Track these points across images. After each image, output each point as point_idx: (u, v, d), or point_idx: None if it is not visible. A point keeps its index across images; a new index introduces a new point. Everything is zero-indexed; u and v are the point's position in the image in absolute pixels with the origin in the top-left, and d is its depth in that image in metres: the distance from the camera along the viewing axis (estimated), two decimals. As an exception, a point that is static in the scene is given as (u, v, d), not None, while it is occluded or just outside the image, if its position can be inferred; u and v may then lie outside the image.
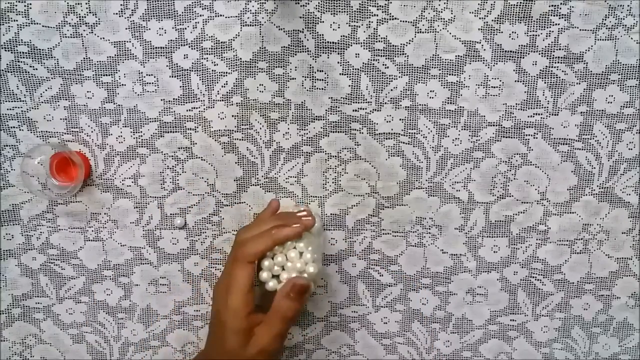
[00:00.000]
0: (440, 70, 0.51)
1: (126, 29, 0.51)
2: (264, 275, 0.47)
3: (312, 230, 0.51)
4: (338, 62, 0.51)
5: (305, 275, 0.46)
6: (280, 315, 0.45)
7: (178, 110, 0.53)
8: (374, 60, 0.51)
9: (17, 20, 0.50)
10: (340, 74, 0.52)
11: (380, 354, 0.58)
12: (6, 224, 0.55)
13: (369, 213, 0.55)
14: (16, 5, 0.50)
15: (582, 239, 0.55)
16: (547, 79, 0.51)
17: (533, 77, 0.51)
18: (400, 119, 0.53)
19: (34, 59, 0.51)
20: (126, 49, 0.51)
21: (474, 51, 0.51)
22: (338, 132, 0.53)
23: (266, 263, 0.47)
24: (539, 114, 0.52)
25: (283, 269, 0.47)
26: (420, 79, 0.52)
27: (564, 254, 0.55)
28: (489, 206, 0.54)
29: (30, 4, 0.50)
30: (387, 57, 0.51)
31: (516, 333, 0.58)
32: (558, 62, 0.51)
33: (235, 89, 0.52)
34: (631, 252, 0.56)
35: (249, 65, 0.52)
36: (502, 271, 0.56)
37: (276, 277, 0.47)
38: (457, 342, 0.58)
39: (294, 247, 0.47)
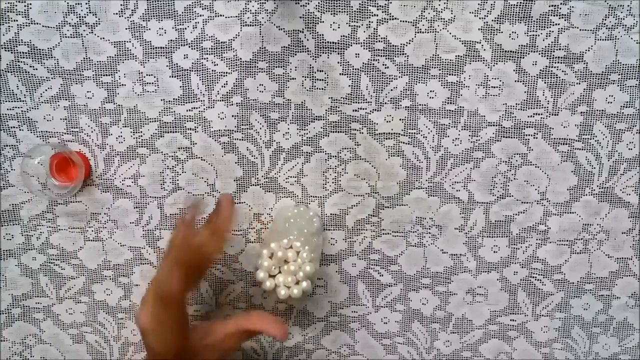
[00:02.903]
0: (440, 70, 0.51)
1: (126, 29, 0.51)
2: (261, 275, 0.46)
3: (311, 230, 0.51)
4: (338, 62, 0.51)
5: (301, 274, 0.46)
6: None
7: (178, 110, 0.53)
8: (374, 60, 0.51)
9: (17, 20, 0.50)
10: (340, 74, 0.52)
11: (380, 354, 0.58)
12: (6, 224, 0.55)
13: (369, 213, 0.55)
14: (16, 5, 0.50)
15: (582, 239, 0.55)
16: (547, 79, 0.51)
17: (533, 77, 0.51)
18: (400, 119, 0.53)
19: (34, 59, 0.51)
20: (126, 49, 0.51)
21: (474, 51, 0.51)
22: (338, 132, 0.53)
23: (265, 264, 0.46)
24: (539, 114, 0.52)
25: (279, 272, 0.47)
26: (420, 79, 0.52)
27: (564, 254, 0.55)
28: (489, 206, 0.54)
29: (30, 4, 0.50)
30: (387, 57, 0.51)
31: (516, 333, 0.58)
32: (558, 62, 0.51)
33: (235, 89, 0.52)
34: (631, 252, 0.56)
35: (249, 65, 0.52)
36: (502, 271, 0.56)
37: (272, 277, 0.47)
38: (457, 342, 0.58)
39: (291, 247, 0.47)
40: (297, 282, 0.46)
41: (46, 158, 0.51)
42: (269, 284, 0.46)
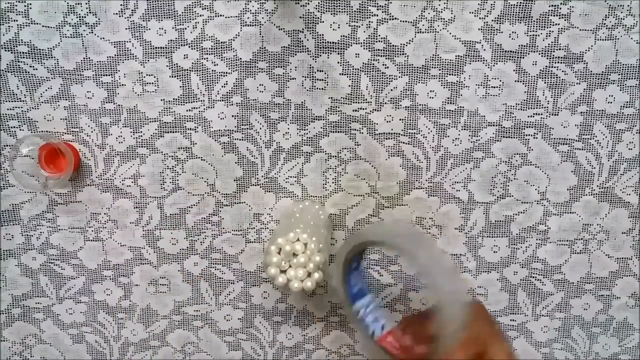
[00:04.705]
0: (440, 70, 0.51)
1: (126, 29, 0.51)
2: (272, 271, 0.46)
3: (317, 222, 0.51)
4: (338, 62, 0.51)
5: (312, 265, 0.46)
6: None
7: (178, 110, 0.53)
8: (374, 60, 0.51)
9: (17, 20, 0.50)
10: (340, 74, 0.52)
11: (380, 354, 0.58)
12: (6, 224, 0.55)
13: (369, 213, 0.55)
14: (16, 5, 0.50)
15: (582, 239, 0.55)
16: (547, 79, 0.51)
17: (533, 77, 0.51)
18: (400, 119, 0.53)
19: (34, 59, 0.51)
20: (126, 49, 0.51)
21: (474, 51, 0.51)
22: (338, 132, 0.53)
23: (274, 260, 0.46)
24: (539, 114, 0.52)
25: (290, 265, 0.47)
26: (420, 79, 0.52)
27: (564, 254, 0.56)
28: (489, 206, 0.54)
29: (30, 4, 0.50)
30: (387, 57, 0.51)
31: (516, 333, 0.58)
32: (558, 62, 0.51)
33: (235, 89, 0.52)
34: (631, 252, 0.56)
35: (249, 65, 0.52)
36: (502, 271, 0.56)
37: (283, 272, 0.47)
38: (457, 342, 0.58)
39: (298, 239, 0.47)
40: (309, 275, 0.46)
41: (35, 149, 0.51)
42: (281, 279, 0.46)
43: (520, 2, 0.50)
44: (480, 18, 0.50)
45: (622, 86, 0.51)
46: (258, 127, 0.53)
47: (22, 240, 0.55)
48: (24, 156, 0.52)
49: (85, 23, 0.50)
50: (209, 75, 0.52)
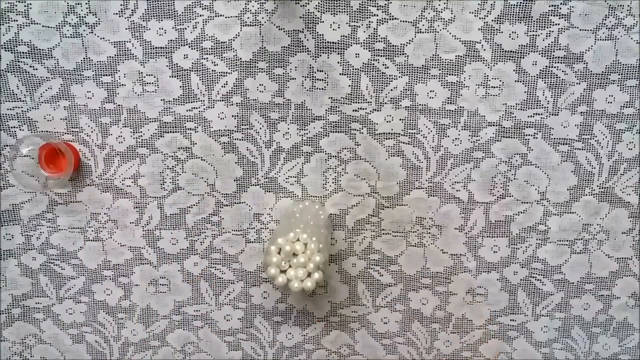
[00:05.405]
0: (440, 70, 0.51)
1: (126, 29, 0.51)
2: (272, 271, 0.46)
3: (317, 222, 0.51)
4: (338, 62, 0.51)
5: (311, 265, 0.46)
6: None
7: (178, 110, 0.53)
8: (374, 60, 0.51)
9: (17, 20, 0.50)
10: (340, 74, 0.52)
11: (380, 354, 0.58)
12: (6, 224, 0.55)
13: (369, 213, 0.55)
14: (16, 5, 0.50)
15: (582, 239, 0.55)
16: (547, 79, 0.51)
17: (533, 77, 0.51)
18: (400, 119, 0.53)
19: (34, 59, 0.51)
20: (126, 49, 0.51)
21: (474, 51, 0.51)
22: (338, 132, 0.53)
23: (274, 260, 0.46)
24: (539, 114, 0.52)
25: (290, 265, 0.47)
26: (420, 79, 0.52)
27: (564, 254, 0.56)
28: (489, 206, 0.54)
29: (30, 4, 0.50)
30: (387, 57, 0.51)
31: (516, 333, 0.58)
32: (558, 62, 0.51)
33: (235, 89, 0.52)
34: (631, 252, 0.56)
35: (249, 65, 0.52)
36: (502, 271, 0.56)
37: (283, 272, 0.47)
38: (457, 342, 0.58)
39: (298, 239, 0.47)
40: (309, 275, 0.46)
41: (35, 149, 0.51)
42: (281, 279, 0.46)
43: (520, 2, 0.50)
44: (480, 18, 0.50)
45: (622, 86, 0.51)
46: (258, 127, 0.53)
47: (22, 240, 0.55)
48: (24, 156, 0.52)
49: (85, 23, 0.50)
50: (209, 75, 0.52)
